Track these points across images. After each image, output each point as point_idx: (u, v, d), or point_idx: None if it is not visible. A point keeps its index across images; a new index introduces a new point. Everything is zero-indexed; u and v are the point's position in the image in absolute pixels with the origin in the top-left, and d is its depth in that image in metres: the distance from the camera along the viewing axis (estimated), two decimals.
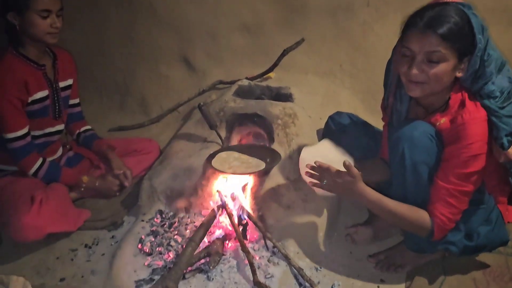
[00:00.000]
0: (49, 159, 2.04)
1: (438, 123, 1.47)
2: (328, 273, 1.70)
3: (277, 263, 1.70)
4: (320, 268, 1.72)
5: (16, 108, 1.85)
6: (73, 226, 1.91)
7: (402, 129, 1.50)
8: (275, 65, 2.59)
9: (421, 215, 1.47)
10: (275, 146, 2.01)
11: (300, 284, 1.62)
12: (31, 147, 1.93)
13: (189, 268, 1.64)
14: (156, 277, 1.61)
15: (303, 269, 1.64)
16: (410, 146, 1.46)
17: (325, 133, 2.09)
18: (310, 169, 1.52)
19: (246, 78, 2.53)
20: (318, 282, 1.64)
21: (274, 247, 1.73)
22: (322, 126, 2.14)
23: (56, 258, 1.80)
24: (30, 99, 1.90)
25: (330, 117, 2.06)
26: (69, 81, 2.12)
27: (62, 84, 2.07)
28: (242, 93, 2.35)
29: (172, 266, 1.60)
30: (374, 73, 1.95)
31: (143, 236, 1.80)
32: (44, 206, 1.78)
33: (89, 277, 1.69)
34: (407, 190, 1.52)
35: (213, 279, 1.61)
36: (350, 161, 1.48)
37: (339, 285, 1.64)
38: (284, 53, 2.54)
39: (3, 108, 1.82)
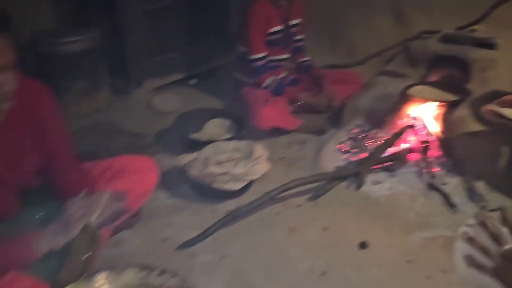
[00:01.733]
0: (277, 77, 2.70)
1: None
2: (500, 196, 1.92)
3: (453, 176, 2.00)
4: (492, 190, 1.95)
5: (260, 37, 2.53)
6: (291, 127, 2.53)
7: None
8: (482, 17, 2.70)
9: None
10: (470, 86, 2.24)
11: (469, 196, 1.90)
12: (266, 68, 2.61)
13: (377, 166, 2.08)
14: (351, 167, 2.10)
15: (475, 185, 1.92)
16: None
17: None
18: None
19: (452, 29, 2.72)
20: (487, 200, 1.88)
21: (454, 164, 2.03)
22: None
23: (277, 147, 2.45)
24: (269, 31, 2.55)
25: None
26: (297, 21, 2.71)
27: (292, 22, 2.67)
28: (446, 40, 2.58)
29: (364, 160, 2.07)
30: None
31: (343, 140, 2.31)
32: (273, 107, 2.44)
33: (301, 159, 2.29)
34: None
35: (396, 176, 2.02)
36: None
37: (504, 207, 1.85)
38: (495, 6, 2.63)
39: (252, 36, 2.51)
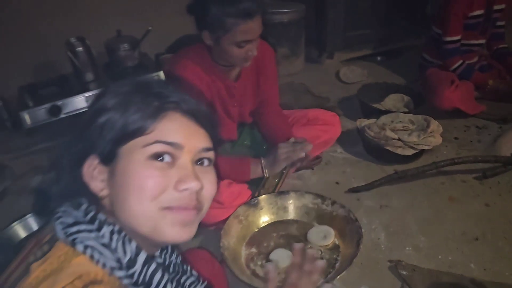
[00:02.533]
0: (467, 62, 2.71)
1: None
2: None
3: None
4: None
5: (459, 19, 2.57)
6: (472, 111, 2.57)
7: None
8: None
9: None
10: None
11: None
12: (457, 51, 2.65)
13: None
14: None
15: None
16: None
17: None
18: None
19: None
20: None
21: None
22: None
23: (453, 128, 2.53)
24: (470, 15, 2.58)
25: None
26: (502, 6, 2.64)
27: (496, 7, 2.62)
28: None
29: None
30: None
31: None
32: (457, 88, 2.51)
33: (475, 142, 2.35)
34: None
35: None
36: None
37: None
38: None
39: (451, 18, 2.56)
